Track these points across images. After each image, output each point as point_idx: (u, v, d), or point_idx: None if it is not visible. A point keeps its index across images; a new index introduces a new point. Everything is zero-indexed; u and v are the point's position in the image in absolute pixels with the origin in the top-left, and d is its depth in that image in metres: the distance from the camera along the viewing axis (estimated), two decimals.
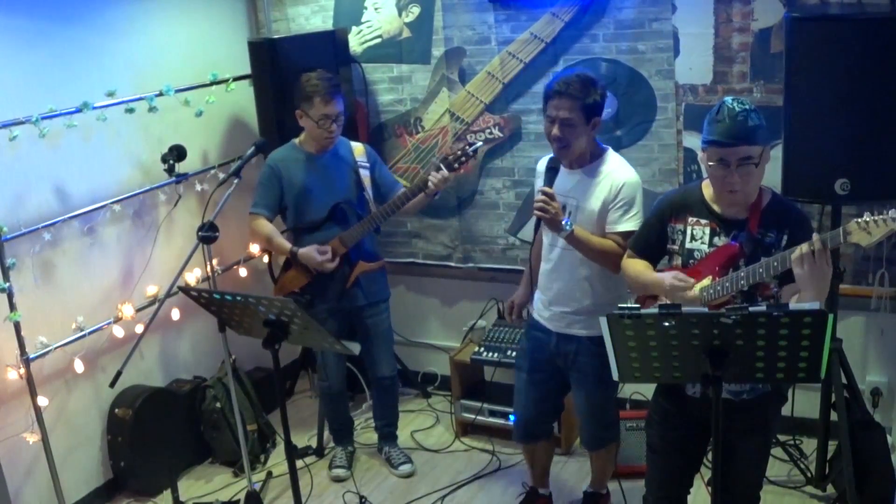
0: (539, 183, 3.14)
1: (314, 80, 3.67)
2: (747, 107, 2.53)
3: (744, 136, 2.50)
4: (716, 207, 2.69)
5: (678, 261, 2.77)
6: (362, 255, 3.85)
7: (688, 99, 3.90)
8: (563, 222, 2.97)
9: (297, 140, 3.86)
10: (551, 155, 3.15)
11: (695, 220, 2.72)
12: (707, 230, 2.70)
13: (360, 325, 4.01)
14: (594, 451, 3.53)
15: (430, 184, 3.52)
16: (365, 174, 3.85)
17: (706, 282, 2.65)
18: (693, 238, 2.72)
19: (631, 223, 3.06)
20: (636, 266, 2.87)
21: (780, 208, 2.66)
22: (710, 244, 2.69)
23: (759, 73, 3.73)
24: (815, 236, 2.37)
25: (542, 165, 3.24)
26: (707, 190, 2.72)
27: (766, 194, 2.67)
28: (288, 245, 3.81)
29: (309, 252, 3.75)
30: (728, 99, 2.57)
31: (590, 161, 3.14)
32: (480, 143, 3.54)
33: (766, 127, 2.57)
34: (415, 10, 4.37)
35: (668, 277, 2.69)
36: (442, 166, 3.51)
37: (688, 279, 2.66)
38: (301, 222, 3.86)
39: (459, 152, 3.54)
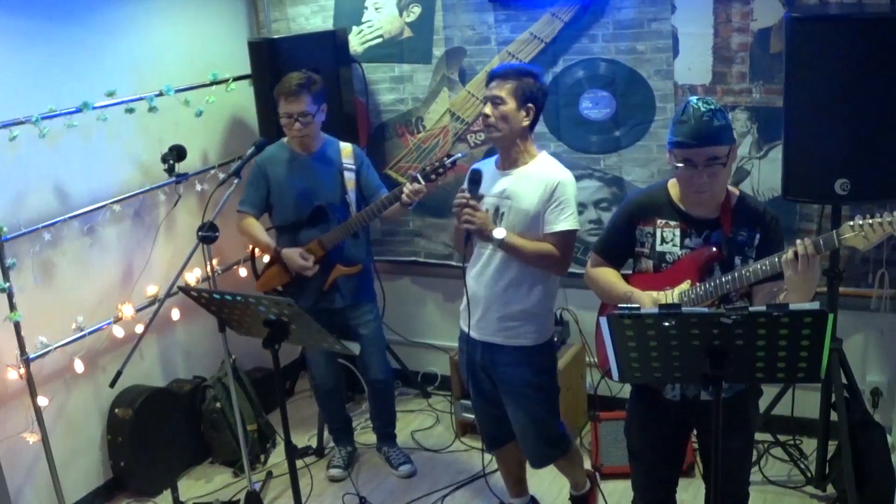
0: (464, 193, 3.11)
1: (285, 80, 3.68)
2: (712, 106, 2.50)
3: (709, 136, 2.48)
4: (684, 208, 2.65)
5: (648, 264, 2.72)
6: (341, 258, 3.84)
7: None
8: (494, 232, 2.95)
9: (285, 139, 3.86)
10: (475, 166, 3.12)
11: (664, 222, 2.68)
12: (677, 232, 2.66)
13: (347, 329, 3.99)
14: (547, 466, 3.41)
15: (403, 195, 3.47)
16: (350, 176, 3.84)
17: (685, 286, 2.62)
18: (664, 241, 2.68)
19: (567, 223, 3.02)
20: (606, 276, 2.80)
21: (749, 206, 2.64)
22: (682, 246, 2.65)
23: (758, 74, 3.73)
24: (807, 240, 2.36)
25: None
26: (674, 190, 2.68)
27: (732, 194, 2.65)
28: (272, 243, 3.84)
29: (292, 254, 3.76)
30: (693, 98, 2.54)
31: (524, 162, 3.09)
32: (460, 155, 3.41)
33: (731, 126, 2.56)
34: (416, 10, 4.37)
35: (645, 299, 2.63)
36: (419, 177, 3.44)
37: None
38: (283, 221, 3.87)
39: (437, 163, 3.45)
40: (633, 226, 2.74)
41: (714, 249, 2.60)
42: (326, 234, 3.78)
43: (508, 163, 3.10)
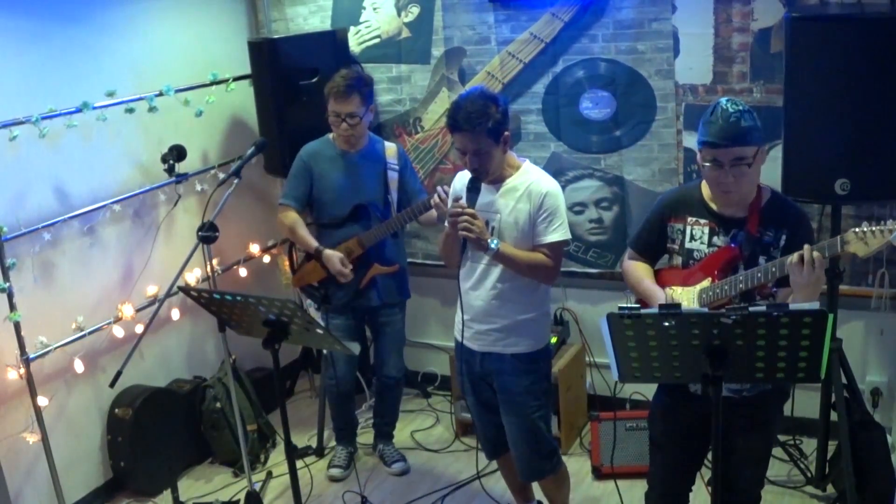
0: (461, 202, 3.08)
1: (335, 79, 3.70)
2: (741, 108, 2.53)
3: (736, 136, 2.50)
4: (714, 207, 2.69)
5: (678, 261, 2.77)
6: (379, 257, 3.85)
7: (687, 99, 3.90)
8: (490, 242, 2.94)
9: (331, 135, 3.86)
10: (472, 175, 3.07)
11: (694, 219, 2.72)
12: (706, 230, 2.70)
13: (373, 324, 4.04)
14: (535, 482, 3.38)
15: (432, 200, 3.44)
16: (393, 176, 3.85)
17: (705, 283, 2.65)
18: (692, 238, 2.72)
19: (558, 233, 3.02)
20: (636, 271, 2.86)
21: (779, 207, 2.66)
22: (710, 244, 2.69)
23: (758, 74, 3.73)
24: (810, 246, 2.37)
25: (459, 183, 3.17)
26: (706, 189, 2.71)
27: (765, 193, 2.67)
28: (314, 242, 3.83)
29: (333, 257, 3.76)
30: (723, 100, 2.57)
31: (509, 175, 3.07)
32: None
33: (760, 128, 2.56)
34: (414, 10, 4.37)
35: (661, 295, 2.70)
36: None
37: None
38: (324, 218, 3.88)
39: None
40: (664, 222, 2.79)
41: (735, 250, 2.62)
42: (366, 233, 3.78)
43: (494, 177, 3.07)
